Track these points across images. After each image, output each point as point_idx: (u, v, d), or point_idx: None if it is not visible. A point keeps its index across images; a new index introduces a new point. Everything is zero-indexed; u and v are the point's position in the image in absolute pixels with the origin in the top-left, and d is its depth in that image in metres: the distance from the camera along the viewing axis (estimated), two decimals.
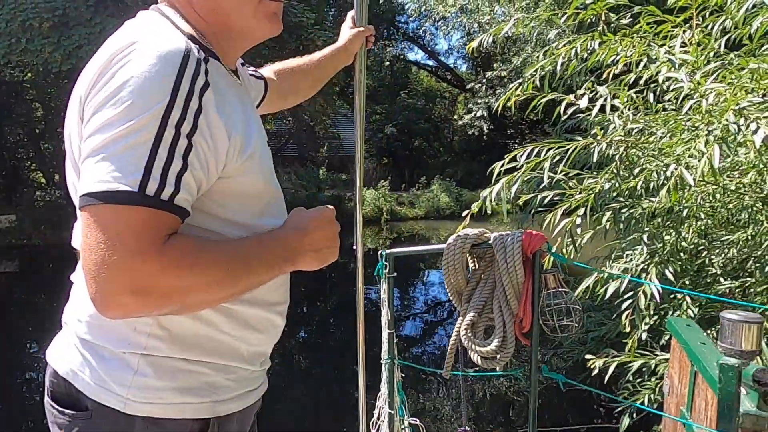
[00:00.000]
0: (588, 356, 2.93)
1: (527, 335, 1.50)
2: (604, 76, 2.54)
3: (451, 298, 1.58)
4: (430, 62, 26.77)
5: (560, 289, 1.46)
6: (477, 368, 1.56)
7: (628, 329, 2.46)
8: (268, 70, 1.46)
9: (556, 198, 2.85)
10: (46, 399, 0.95)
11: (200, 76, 0.82)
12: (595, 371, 2.83)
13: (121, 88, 0.78)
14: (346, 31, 1.50)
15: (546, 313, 1.48)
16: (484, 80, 17.68)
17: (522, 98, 3.02)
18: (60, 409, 0.91)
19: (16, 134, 16.43)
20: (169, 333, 0.88)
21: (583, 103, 2.39)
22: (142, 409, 0.87)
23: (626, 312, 2.49)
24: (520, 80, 3.11)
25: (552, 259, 1.48)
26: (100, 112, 0.78)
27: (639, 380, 3.04)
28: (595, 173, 2.91)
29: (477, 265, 1.57)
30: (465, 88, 22.17)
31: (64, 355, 0.93)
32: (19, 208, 14.14)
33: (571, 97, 2.43)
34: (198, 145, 0.81)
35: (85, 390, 0.88)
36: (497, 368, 1.58)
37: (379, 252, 1.68)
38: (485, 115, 17.75)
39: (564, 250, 2.67)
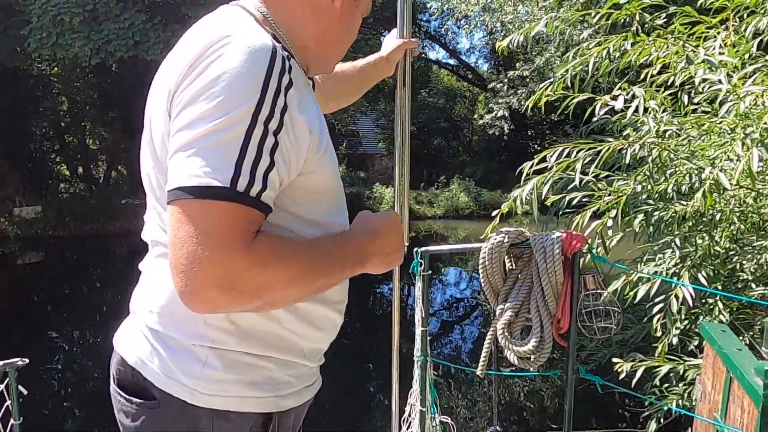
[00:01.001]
0: (615, 360, 2.90)
1: (564, 336, 1.49)
2: (642, 76, 2.51)
3: (487, 297, 1.58)
4: (451, 61, 26.68)
5: (599, 291, 1.45)
6: (512, 368, 1.55)
7: (659, 333, 2.43)
8: None
9: (584, 200, 2.83)
10: (113, 386, 0.96)
11: (285, 74, 0.83)
12: (622, 375, 2.81)
13: (214, 83, 0.78)
14: (390, 41, 1.51)
15: (584, 315, 1.47)
16: (506, 80, 17.58)
17: (552, 98, 3.00)
18: (127, 397, 0.92)
19: (42, 127, 16.73)
20: (237, 327, 0.89)
21: (619, 104, 2.36)
22: (209, 401, 0.88)
23: (658, 316, 2.45)
24: (551, 80, 3.09)
25: (590, 259, 1.47)
26: (193, 107, 0.79)
27: (666, 385, 3.01)
28: (625, 175, 2.88)
29: (514, 265, 1.57)
30: (486, 88, 22.06)
31: (133, 344, 0.94)
32: (44, 200, 14.40)
33: (607, 98, 2.40)
34: (283, 143, 0.82)
35: (153, 379, 0.89)
36: (532, 368, 1.57)
37: (415, 250, 1.69)
38: (506, 114, 17.65)
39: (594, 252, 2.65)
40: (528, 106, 3.28)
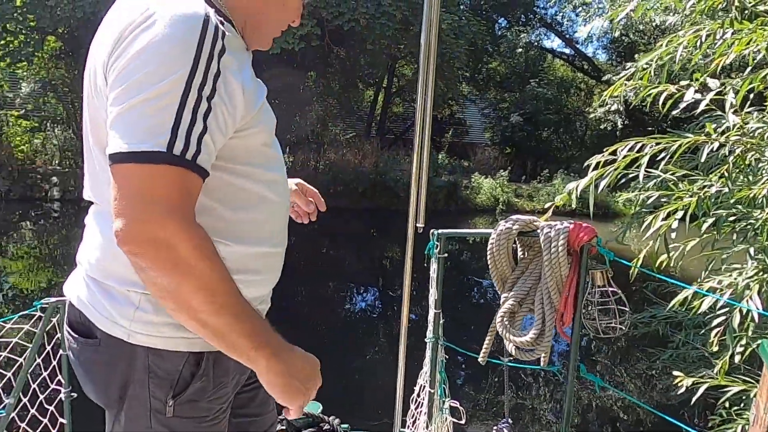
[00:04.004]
0: (676, 373, 2.70)
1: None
2: (713, 66, 2.29)
3: (495, 285, 1.55)
4: (567, 50, 25.53)
5: (608, 288, 1.37)
6: (512, 358, 1.52)
7: (715, 348, 2.23)
8: None
9: (663, 200, 2.65)
10: (65, 327, 1.06)
11: (218, 41, 0.86)
12: (681, 390, 2.61)
13: (146, 53, 0.83)
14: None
15: (591, 311, 1.40)
16: (623, 72, 16.51)
17: (630, 88, 2.80)
18: (75, 336, 1.02)
19: None
20: None
21: (689, 95, 2.17)
22: (144, 340, 0.96)
23: (717, 330, 2.25)
24: (632, 69, 2.89)
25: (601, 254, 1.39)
26: (126, 76, 0.83)
27: (735, 408, 2.76)
28: (707, 176, 2.65)
29: (526, 254, 1.52)
30: (602, 80, 20.87)
31: (78, 290, 1.03)
32: None
33: (672, 87, 2.22)
34: (216, 107, 0.86)
35: (95, 321, 0.98)
36: (541, 361, 1.52)
37: (431, 231, 1.68)
38: (620, 109, 16.63)
39: (656, 256, 2.47)
40: (607, 96, 3.10)
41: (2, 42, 13.43)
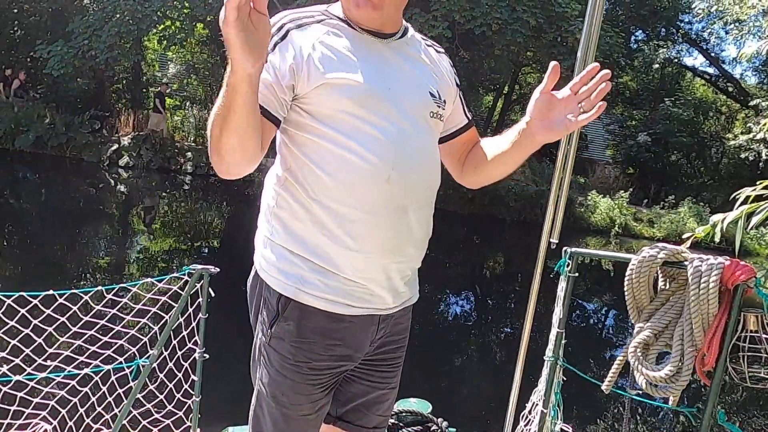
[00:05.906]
0: None
1: (708, 374, 1.33)
2: None
3: (629, 312, 1.48)
4: (710, 70, 23.59)
5: (762, 335, 1.27)
6: (641, 392, 1.44)
7: None
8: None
9: None
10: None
11: (277, 35, 1.15)
12: None
13: None
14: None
15: (740, 357, 1.30)
16: None
17: None
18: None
19: None
20: (282, 228, 1.22)
21: None
22: (263, 275, 1.26)
23: None
24: None
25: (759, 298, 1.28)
26: None
27: None
28: None
29: (668, 285, 1.44)
30: (748, 104, 19.07)
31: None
32: None
33: None
34: (271, 62, 1.12)
35: (255, 255, 1.31)
36: (670, 401, 1.44)
37: (564, 249, 1.64)
38: (767, 138, 15.09)
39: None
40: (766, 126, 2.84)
41: (161, 26, 14.81)
